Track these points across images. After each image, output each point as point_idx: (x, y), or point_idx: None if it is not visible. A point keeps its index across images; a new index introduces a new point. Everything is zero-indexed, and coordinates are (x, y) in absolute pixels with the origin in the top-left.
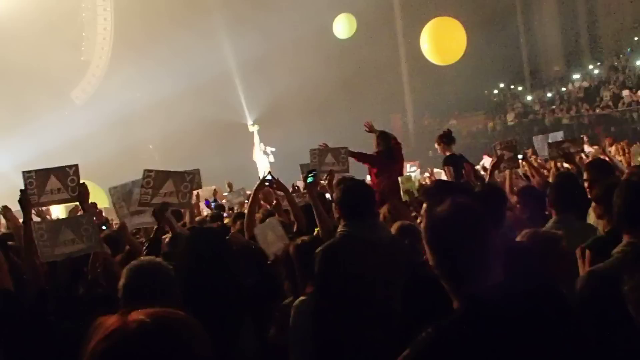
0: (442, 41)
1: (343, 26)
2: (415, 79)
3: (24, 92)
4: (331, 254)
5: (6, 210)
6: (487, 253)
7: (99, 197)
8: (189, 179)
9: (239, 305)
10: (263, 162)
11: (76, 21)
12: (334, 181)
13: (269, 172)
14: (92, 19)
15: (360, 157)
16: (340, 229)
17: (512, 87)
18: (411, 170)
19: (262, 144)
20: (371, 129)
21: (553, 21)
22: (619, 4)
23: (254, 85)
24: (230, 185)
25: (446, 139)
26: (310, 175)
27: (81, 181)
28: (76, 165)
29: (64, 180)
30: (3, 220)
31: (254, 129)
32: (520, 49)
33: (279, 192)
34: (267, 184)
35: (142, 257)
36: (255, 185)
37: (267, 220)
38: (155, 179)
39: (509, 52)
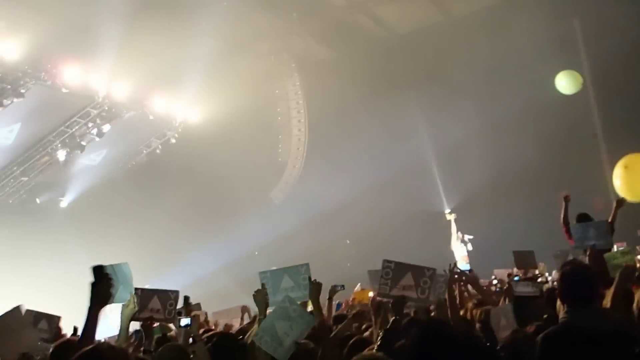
0: (634, 182)
1: (567, 82)
2: (616, 157)
3: (228, 195)
4: (552, 344)
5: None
6: None
7: None
8: (429, 275)
9: None
10: (461, 251)
11: (273, 125)
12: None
13: (454, 264)
14: (287, 121)
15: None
16: (561, 316)
17: None
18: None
19: (459, 232)
20: (566, 199)
21: None
22: None
23: (450, 172)
24: None
25: None
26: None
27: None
28: (177, 292)
29: (164, 302)
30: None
31: (451, 217)
32: None
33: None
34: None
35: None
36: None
37: (503, 305)
38: (395, 270)
39: None
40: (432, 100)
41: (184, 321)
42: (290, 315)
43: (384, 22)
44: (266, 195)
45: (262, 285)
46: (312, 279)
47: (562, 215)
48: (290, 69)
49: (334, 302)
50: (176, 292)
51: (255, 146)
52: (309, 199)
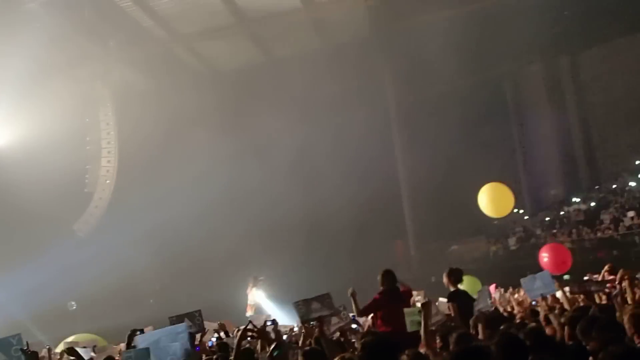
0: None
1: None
2: (417, 204)
3: (29, 224)
4: None
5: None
6: None
7: None
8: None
9: None
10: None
11: (81, 154)
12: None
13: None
14: (97, 151)
15: (364, 311)
16: None
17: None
18: (417, 299)
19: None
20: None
21: (550, 143)
22: (615, 128)
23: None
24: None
25: (455, 276)
26: (276, 350)
27: None
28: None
29: None
30: None
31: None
32: (518, 172)
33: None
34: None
35: None
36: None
37: None
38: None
39: (508, 176)
40: (243, 140)
41: None
42: None
43: (204, 58)
44: (69, 227)
45: None
46: (26, 349)
47: (355, 309)
48: (104, 97)
49: None
50: None
51: (62, 175)
52: (116, 232)
